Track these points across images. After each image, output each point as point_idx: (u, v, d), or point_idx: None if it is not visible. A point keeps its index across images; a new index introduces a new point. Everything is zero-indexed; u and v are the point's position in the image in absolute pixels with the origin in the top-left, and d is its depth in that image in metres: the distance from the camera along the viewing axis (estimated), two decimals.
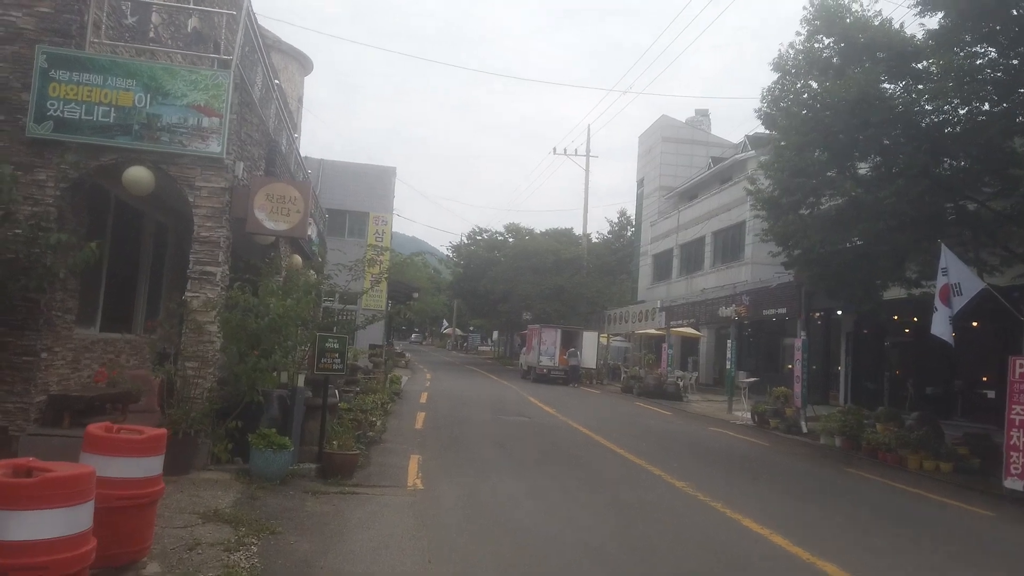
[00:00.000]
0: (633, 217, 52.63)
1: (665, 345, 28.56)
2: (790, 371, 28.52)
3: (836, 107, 11.77)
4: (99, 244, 7.65)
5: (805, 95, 13.26)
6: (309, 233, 13.73)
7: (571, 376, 31.80)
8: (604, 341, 39.02)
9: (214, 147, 8.31)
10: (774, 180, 13.77)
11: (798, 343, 19.09)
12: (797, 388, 18.83)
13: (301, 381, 8.65)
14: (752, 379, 20.53)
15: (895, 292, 15.10)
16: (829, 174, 13.01)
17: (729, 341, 23.28)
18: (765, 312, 21.08)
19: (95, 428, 4.96)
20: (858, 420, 15.79)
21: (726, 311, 23.71)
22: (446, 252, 56.58)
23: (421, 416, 16.25)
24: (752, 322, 27.45)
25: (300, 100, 30.95)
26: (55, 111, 7.96)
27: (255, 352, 8.04)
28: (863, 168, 13.74)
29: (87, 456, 4.72)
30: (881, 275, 13.62)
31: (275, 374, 9.03)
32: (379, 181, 34.53)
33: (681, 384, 27.26)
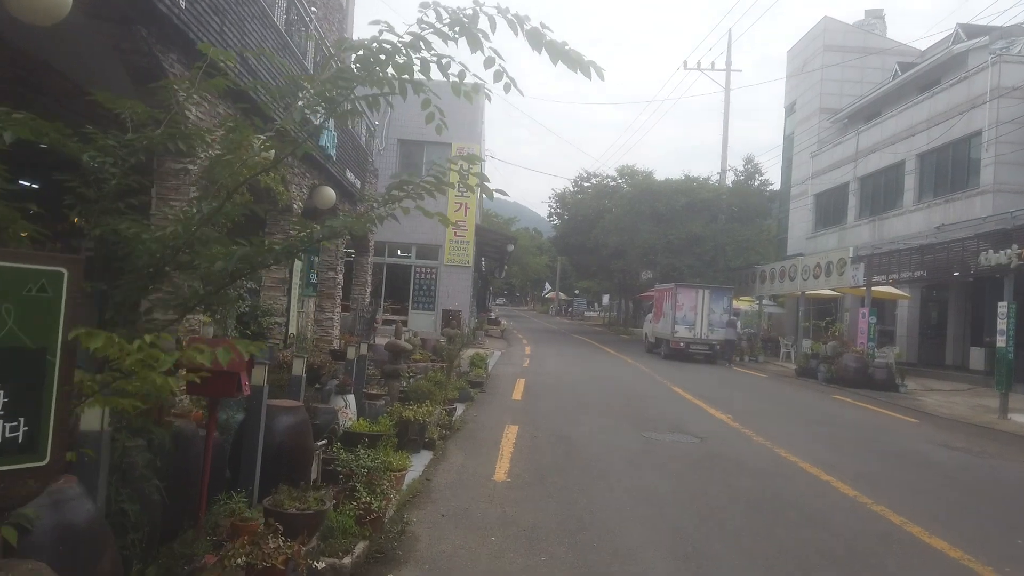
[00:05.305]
0: (762, 164, 42.87)
1: (865, 311, 19.90)
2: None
3: None
4: None
5: None
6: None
7: (726, 352, 24.75)
8: (756, 306, 30.39)
9: None
10: None
11: None
12: None
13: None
14: None
15: None
16: None
17: (1001, 305, 14.54)
18: None
19: None
20: None
21: (993, 257, 14.93)
22: (549, 206, 48.41)
23: (511, 435, 8.98)
24: (931, 279, 18.50)
25: None
26: None
27: None
28: None
29: None
30: None
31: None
32: (464, 102, 27.09)
33: (888, 366, 18.71)
